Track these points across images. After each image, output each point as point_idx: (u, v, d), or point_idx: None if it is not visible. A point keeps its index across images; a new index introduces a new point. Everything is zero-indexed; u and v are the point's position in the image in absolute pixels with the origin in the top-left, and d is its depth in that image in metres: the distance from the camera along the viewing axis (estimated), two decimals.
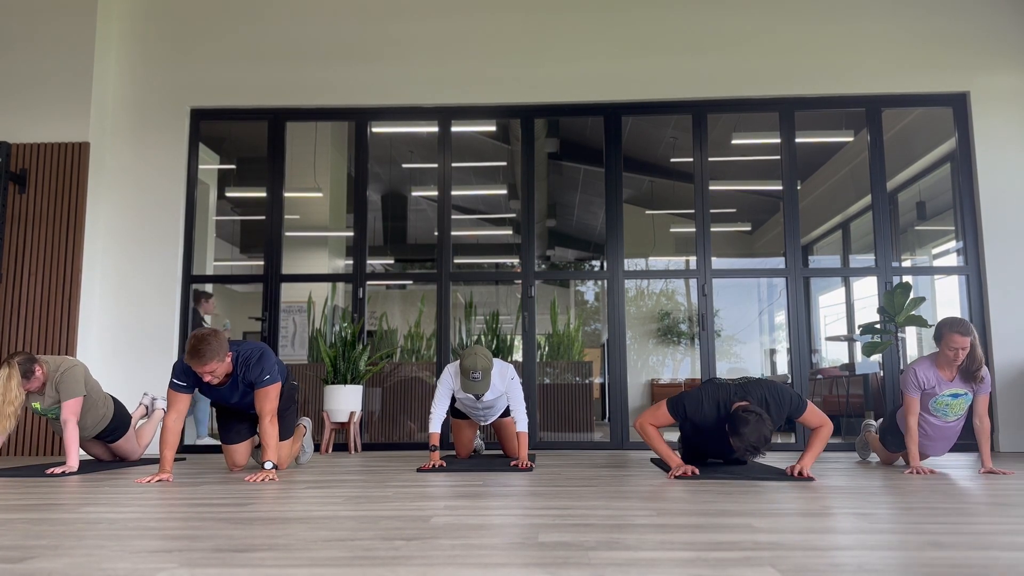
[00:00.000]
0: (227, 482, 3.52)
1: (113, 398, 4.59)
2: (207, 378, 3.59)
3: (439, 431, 4.17)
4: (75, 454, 4.07)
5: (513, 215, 12.86)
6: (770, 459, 4.80)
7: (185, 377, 3.70)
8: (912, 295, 5.31)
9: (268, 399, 3.72)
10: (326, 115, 6.31)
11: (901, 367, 5.62)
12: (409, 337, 6.77)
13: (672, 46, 6.14)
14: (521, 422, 4.17)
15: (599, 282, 14.30)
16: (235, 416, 4.14)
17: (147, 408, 5.05)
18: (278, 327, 6.02)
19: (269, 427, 3.69)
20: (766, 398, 3.63)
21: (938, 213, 8.29)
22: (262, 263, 6.10)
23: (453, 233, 6.20)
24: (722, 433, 3.69)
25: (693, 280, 6.06)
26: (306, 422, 4.57)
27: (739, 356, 12.43)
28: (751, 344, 12.47)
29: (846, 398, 7.64)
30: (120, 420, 4.57)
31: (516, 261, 14.27)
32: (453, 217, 6.24)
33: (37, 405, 4.21)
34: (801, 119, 6.21)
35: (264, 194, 6.21)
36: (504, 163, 11.01)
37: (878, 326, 5.39)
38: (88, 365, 5.73)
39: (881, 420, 4.57)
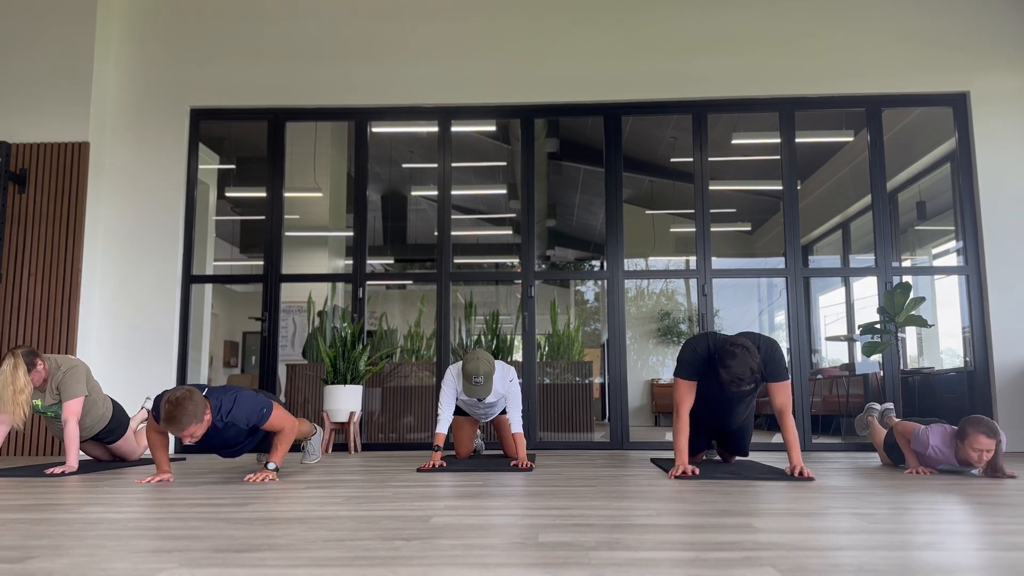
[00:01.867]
0: (227, 482, 3.52)
1: (112, 399, 4.59)
2: (187, 441, 3.43)
3: (445, 432, 4.19)
4: (75, 454, 4.08)
5: (513, 215, 12.86)
6: (770, 459, 4.80)
7: None
8: (912, 295, 5.31)
9: (280, 422, 3.66)
10: (326, 115, 6.30)
11: (901, 367, 5.61)
12: (409, 337, 6.77)
13: (672, 46, 6.14)
14: (516, 423, 4.19)
15: (599, 282, 14.30)
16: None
17: (149, 412, 5.00)
18: (278, 327, 6.02)
19: (287, 437, 3.68)
20: (758, 344, 3.73)
21: (938, 213, 8.29)
22: (262, 263, 6.10)
23: (453, 233, 6.19)
24: (716, 384, 3.77)
25: (693, 280, 6.06)
26: (316, 427, 4.60)
27: None
28: None
29: (846, 398, 7.64)
30: (119, 421, 4.57)
31: (516, 261, 14.27)
32: (453, 217, 6.24)
33: (38, 402, 4.22)
34: (801, 119, 6.21)
35: (264, 194, 6.21)
36: (504, 163, 11.01)
37: (878, 326, 5.39)
38: (88, 365, 5.73)
39: (885, 406, 4.60)
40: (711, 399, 3.88)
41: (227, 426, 3.61)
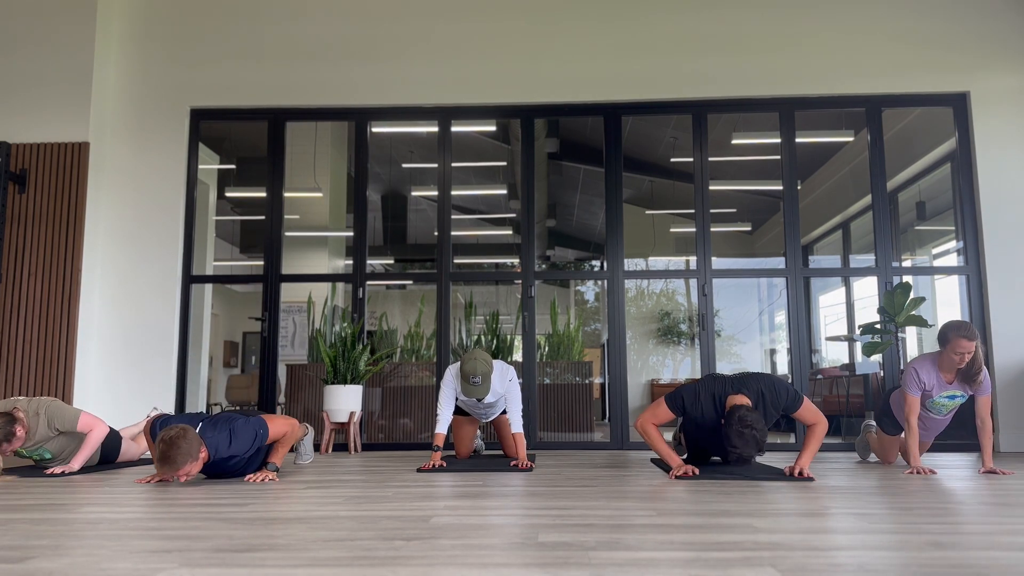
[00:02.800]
0: (227, 482, 3.52)
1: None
2: (183, 480, 3.37)
3: (445, 432, 4.19)
4: (83, 460, 4.02)
5: (513, 215, 12.86)
6: (769, 459, 4.80)
7: None
8: (912, 295, 5.31)
9: (279, 430, 3.65)
10: (326, 115, 6.30)
11: (901, 367, 5.61)
12: (409, 337, 6.77)
13: (672, 46, 6.14)
14: (516, 423, 4.19)
15: (599, 282, 14.30)
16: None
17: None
18: (278, 327, 6.02)
19: (289, 438, 3.68)
20: (762, 391, 3.67)
21: (938, 213, 8.29)
22: (262, 263, 6.10)
23: (453, 233, 6.19)
24: (719, 429, 3.72)
25: (693, 280, 6.06)
26: (308, 427, 4.59)
27: (739, 356, 12.43)
28: (751, 344, 12.47)
29: (846, 398, 7.64)
30: (110, 445, 4.47)
31: (516, 261, 14.27)
32: (453, 217, 6.24)
33: (22, 450, 4.05)
34: (801, 119, 6.21)
35: (264, 194, 6.21)
36: (504, 163, 11.01)
37: (878, 326, 5.39)
38: (88, 365, 5.73)
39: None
40: (714, 437, 3.88)
41: (226, 459, 3.57)
